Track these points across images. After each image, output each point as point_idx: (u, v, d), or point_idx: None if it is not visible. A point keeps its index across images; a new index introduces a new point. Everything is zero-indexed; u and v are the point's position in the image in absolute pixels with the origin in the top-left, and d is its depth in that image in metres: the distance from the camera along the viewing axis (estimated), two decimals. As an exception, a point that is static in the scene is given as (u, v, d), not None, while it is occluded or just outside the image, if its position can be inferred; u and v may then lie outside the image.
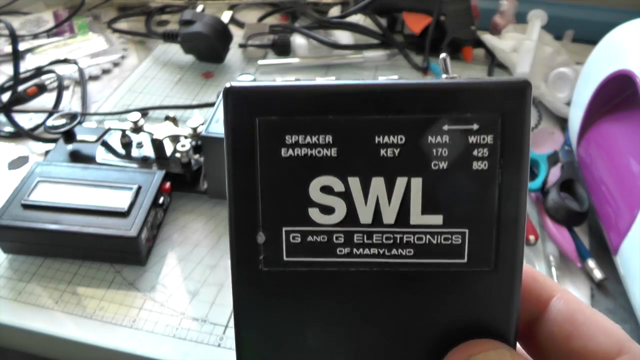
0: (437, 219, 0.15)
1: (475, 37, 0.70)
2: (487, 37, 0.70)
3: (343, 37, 0.73)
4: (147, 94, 0.65)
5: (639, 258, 0.39)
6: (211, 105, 0.60)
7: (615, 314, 0.42)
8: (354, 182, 0.15)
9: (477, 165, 0.15)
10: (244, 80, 0.15)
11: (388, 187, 0.15)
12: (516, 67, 0.64)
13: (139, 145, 0.52)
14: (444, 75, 0.16)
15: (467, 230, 0.15)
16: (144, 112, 0.60)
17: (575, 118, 0.52)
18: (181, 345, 0.39)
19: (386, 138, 0.15)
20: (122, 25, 0.79)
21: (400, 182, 0.15)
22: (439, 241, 0.15)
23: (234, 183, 0.15)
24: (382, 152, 0.15)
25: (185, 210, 0.49)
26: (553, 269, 0.44)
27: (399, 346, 0.16)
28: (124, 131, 0.51)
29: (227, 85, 0.15)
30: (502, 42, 0.69)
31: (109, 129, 0.52)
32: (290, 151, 0.15)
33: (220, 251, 0.45)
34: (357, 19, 0.73)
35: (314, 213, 0.15)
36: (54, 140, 0.53)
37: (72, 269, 0.44)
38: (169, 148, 0.50)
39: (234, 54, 0.71)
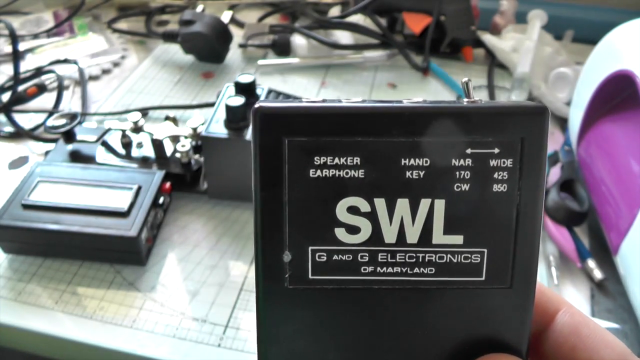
0: (458, 239, 0.15)
1: (475, 37, 0.70)
2: (487, 37, 0.70)
3: (343, 37, 0.73)
4: (147, 94, 0.65)
5: (639, 258, 0.39)
6: (211, 105, 0.60)
7: (615, 314, 0.42)
8: (380, 203, 0.15)
9: (497, 188, 0.15)
10: (271, 100, 0.15)
11: (412, 208, 0.15)
12: (516, 67, 0.64)
13: (139, 145, 0.52)
14: (465, 99, 0.16)
15: (486, 250, 0.16)
16: (144, 112, 0.60)
17: (575, 118, 0.52)
18: (181, 345, 0.39)
19: (412, 160, 0.15)
20: (122, 25, 0.79)
21: (424, 203, 0.15)
22: (459, 260, 0.16)
23: (261, 202, 0.15)
24: (408, 174, 0.15)
25: (185, 211, 0.49)
26: (553, 269, 0.44)
27: None
28: (124, 131, 0.51)
29: (256, 105, 0.15)
30: (502, 42, 0.69)
31: (109, 129, 0.52)
32: (319, 172, 0.15)
33: (220, 252, 0.45)
34: (357, 19, 0.73)
35: (340, 233, 0.16)
36: (54, 140, 0.53)
37: (72, 269, 0.44)
38: (169, 148, 0.50)
39: (234, 54, 0.71)
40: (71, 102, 0.64)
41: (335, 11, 0.77)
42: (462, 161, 0.15)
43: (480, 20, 0.71)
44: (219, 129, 0.46)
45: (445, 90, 0.66)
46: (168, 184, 0.47)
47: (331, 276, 0.16)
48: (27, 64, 0.68)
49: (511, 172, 0.15)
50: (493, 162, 0.15)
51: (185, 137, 0.50)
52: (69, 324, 0.40)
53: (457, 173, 0.15)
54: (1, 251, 0.45)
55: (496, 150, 0.15)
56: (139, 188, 0.45)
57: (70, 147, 0.51)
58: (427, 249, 0.16)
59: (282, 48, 0.70)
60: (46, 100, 0.62)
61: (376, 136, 0.15)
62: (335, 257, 0.16)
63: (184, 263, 0.44)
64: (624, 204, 0.42)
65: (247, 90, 0.49)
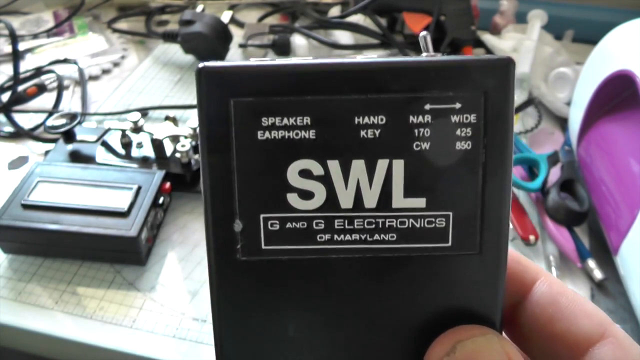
0: (420, 202, 0.14)
1: (475, 37, 0.70)
2: (487, 37, 0.70)
3: (343, 37, 0.73)
4: (147, 94, 0.65)
5: (639, 258, 0.39)
6: (211, 105, 0.60)
7: (615, 314, 0.42)
8: (334, 165, 0.14)
9: (460, 145, 0.14)
10: (218, 61, 0.15)
11: (369, 169, 0.14)
12: (516, 67, 0.64)
13: (139, 145, 0.51)
14: (424, 54, 0.15)
15: (451, 213, 0.14)
16: (144, 112, 0.60)
17: (575, 118, 0.52)
18: (181, 345, 0.39)
19: (366, 119, 0.14)
20: (122, 25, 0.79)
21: (382, 165, 0.14)
22: (422, 225, 0.15)
23: (209, 168, 0.14)
24: (362, 133, 0.14)
25: (185, 210, 0.49)
26: (553, 269, 0.44)
27: (384, 334, 0.15)
28: (124, 131, 0.51)
29: (200, 65, 0.14)
30: (502, 42, 0.69)
31: (109, 129, 0.52)
32: (267, 134, 0.14)
33: (220, 251, 0.45)
34: (357, 19, 0.73)
35: (293, 198, 0.15)
36: (54, 140, 0.53)
37: (72, 269, 0.44)
38: (169, 148, 0.50)
39: (234, 54, 0.71)
40: (71, 102, 0.64)
41: (335, 11, 0.77)
42: (420, 118, 0.14)
43: (480, 20, 0.71)
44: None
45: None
46: (168, 184, 0.47)
47: (285, 246, 0.15)
48: (27, 64, 0.68)
49: (475, 128, 0.14)
50: (455, 118, 0.14)
51: (185, 137, 0.50)
52: (69, 324, 0.40)
53: (416, 131, 0.14)
54: (1, 251, 0.45)
55: (457, 106, 0.14)
56: (139, 188, 0.45)
57: (70, 147, 0.51)
58: (387, 214, 0.14)
59: (282, 48, 0.70)
60: (46, 100, 0.62)
61: (327, 94, 0.14)
62: (288, 224, 0.15)
63: (183, 263, 0.44)
64: (624, 204, 0.42)
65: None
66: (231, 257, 0.15)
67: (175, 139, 0.50)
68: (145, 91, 0.65)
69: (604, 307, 0.42)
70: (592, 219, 0.47)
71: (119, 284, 0.43)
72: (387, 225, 0.15)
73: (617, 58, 0.46)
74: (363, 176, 0.14)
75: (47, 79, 0.65)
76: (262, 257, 0.15)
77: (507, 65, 0.14)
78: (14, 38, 0.62)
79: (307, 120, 0.14)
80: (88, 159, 0.50)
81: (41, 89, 0.62)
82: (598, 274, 0.44)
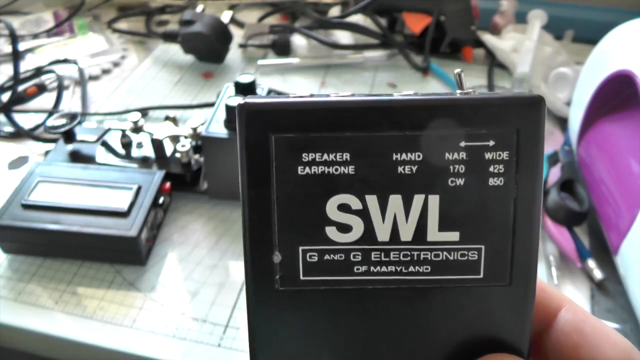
0: (454, 236, 0.15)
1: (475, 37, 0.70)
2: (487, 37, 0.70)
3: (343, 37, 0.73)
4: (147, 94, 0.65)
5: (639, 258, 0.39)
6: (211, 105, 0.60)
7: (615, 314, 0.42)
8: (372, 200, 0.15)
9: (493, 182, 0.15)
10: (258, 96, 0.15)
11: (405, 204, 0.15)
12: (516, 67, 0.64)
13: (139, 145, 0.52)
14: (458, 91, 0.15)
15: (483, 246, 0.15)
16: (144, 112, 0.60)
17: (575, 118, 0.52)
18: (181, 345, 0.39)
19: (404, 155, 0.15)
20: (122, 25, 0.79)
21: (418, 199, 0.15)
22: (455, 257, 0.15)
23: (249, 202, 0.15)
24: (400, 169, 0.15)
25: (185, 211, 0.49)
26: (553, 269, 0.44)
27: None
28: (124, 131, 0.51)
29: (242, 101, 0.15)
30: (502, 42, 0.69)
31: (109, 129, 0.52)
32: (307, 169, 0.15)
33: (220, 252, 0.45)
34: (357, 19, 0.73)
35: (331, 231, 0.15)
36: (54, 140, 0.53)
37: (72, 269, 0.44)
38: (169, 148, 0.50)
39: (234, 54, 0.71)
40: (71, 102, 0.64)
41: (335, 11, 0.77)
42: (455, 155, 0.15)
43: (480, 20, 0.71)
44: (219, 129, 0.46)
45: (445, 90, 0.66)
46: (168, 184, 0.47)
47: (323, 277, 0.15)
48: (27, 64, 0.68)
49: (507, 165, 0.15)
50: (488, 155, 0.14)
51: (185, 137, 0.50)
52: (69, 324, 0.40)
53: (451, 167, 0.15)
54: (1, 251, 0.45)
55: (491, 143, 0.14)
56: (139, 188, 0.45)
57: (70, 147, 0.51)
58: (422, 247, 0.15)
59: (282, 48, 0.70)
60: (46, 100, 0.62)
61: (366, 131, 0.14)
62: (326, 256, 0.15)
63: (184, 263, 0.44)
64: (624, 204, 0.42)
65: (247, 90, 0.49)
66: (270, 287, 0.16)
67: (175, 139, 0.50)
68: (145, 91, 0.65)
69: (603, 307, 0.43)
70: (592, 219, 0.47)
71: (119, 284, 0.43)
72: (422, 258, 0.15)
73: (617, 58, 0.46)
74: (400, 211, 0.15)
75: (47, 79, 0.65)
76: (300, 287, 0.15)
77: (539, 103, 0.14)
78: (14, 38, 0.62)
79: (346, 156, 0.15)
80: (88, 159, 0.50)
81: (41, 89, 0.62)
82: (598, 274, 0.44)
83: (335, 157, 0.15)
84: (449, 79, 0.67)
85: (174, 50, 0.72)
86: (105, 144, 0.52)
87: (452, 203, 0.15)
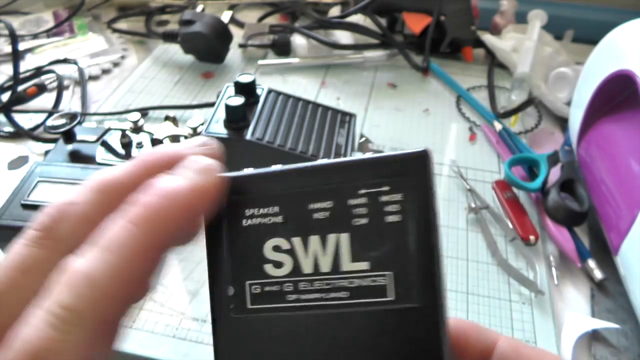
0: (365, 265, 0.18)
1: (475, 37, 0.70)
2: (487, 37, 0.70)
3: (343, 37, 0.73)
4: (147, 94, 0.65)
5: (639, 258, 0.39)
6: (211, 105, 0.60)
7: (615, 314, 0.42)
8: (297, 241, 0.18)
9: (391, 219, 0.17)
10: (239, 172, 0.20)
11: (322, 242, 0.18)
12: (516, 67, 0.64)
13: (139, 145, 0.51)
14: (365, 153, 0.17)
15: (392, 272, 0.17)
16: (144, 112, 0.60)
17: (575, 118, 0.52)
18: (181, 345, 0.39)
19: (317, 204, 0.18)
20: (122, 25, 0.79)
21: (332, 238, 0.18)
22: (368, 284, 0.18)
23: (208, 250, 0.20)
24: (315, 215, 0.18)
25: (185, 210, 0.49)
26: (553, 269, 0.44)
27: None
28: (123, 131, 0.51)
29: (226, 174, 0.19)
30: (502, 42, 0.69)
31: (109, 129, 0.52)
32: (250, 221, 0.19)
33: (220, 251, 0.45)
34: (357, 19, 0.73)
35: (269, 268, 0.19)
36: (54, 140, 0.53)
37: (72, 269, 0.43)
38: (169, 148, 0.50)
39: (234, 54, 0.71)
40: (71, 102, 0.64)
41: (335, 11, 0.77)
42: (357, 200, 0.18)
43: (480, 20, 0.71)
44: (219, 129, 0.46)
45: (445, 90, 0.66)
46: (168, 184, 0.47)
47: (265, 305, 0.19)
48: (27, 64, 0.68)
49: (402, 204, 0.17)
50: (385, 198, 0.18)
51: (185, 137, 0.50)
52: (69, 324, 0.40)
53: (355, 210, 0.18)
54: (1, 251, 0.44)
55: (385, 188, 0.18)
56: (139, 188, 0.45)
57: (70, 147, 0.51)
58: (339, 276, 0.18)
59: (282, 48, 0.70)
60: (46, 100, 0.62)
61: (288, 189, 0.19)
62: (266, 288, 0.19)
63: (183, 263, 0.44)
64: (624, 204, 0.42)
65: (247, 90, 0.49)
66: (227, 315, 0.19)
67: (175, 139, 0.50)
68: (145, 91, 0.65)
69: (603, 307, 0.43)
70: (592, 219, 0.47)
71: (119, 284, 0.42)
72: (339, 285, 0.18)
73: (617, 58, 0.46)
74: (319, 248, 0.18)
75: (47, 79, 0.65)
76: (248, 315, 0.19)
77: (422, 155, 0.17)
78: (14, 38, 0.62)
79: (275, 209, 0.19)
80: (88, 159, 0.50)
81: (41, 89, 0.62)
82: (598, 274, 0.44)
83: (268, 210, 0.19)
84: (449, 79, 0.67)
85: (174, 50, 0.72)
86: (105, 144, 0.52)
87: (360, 238, 0.18)
